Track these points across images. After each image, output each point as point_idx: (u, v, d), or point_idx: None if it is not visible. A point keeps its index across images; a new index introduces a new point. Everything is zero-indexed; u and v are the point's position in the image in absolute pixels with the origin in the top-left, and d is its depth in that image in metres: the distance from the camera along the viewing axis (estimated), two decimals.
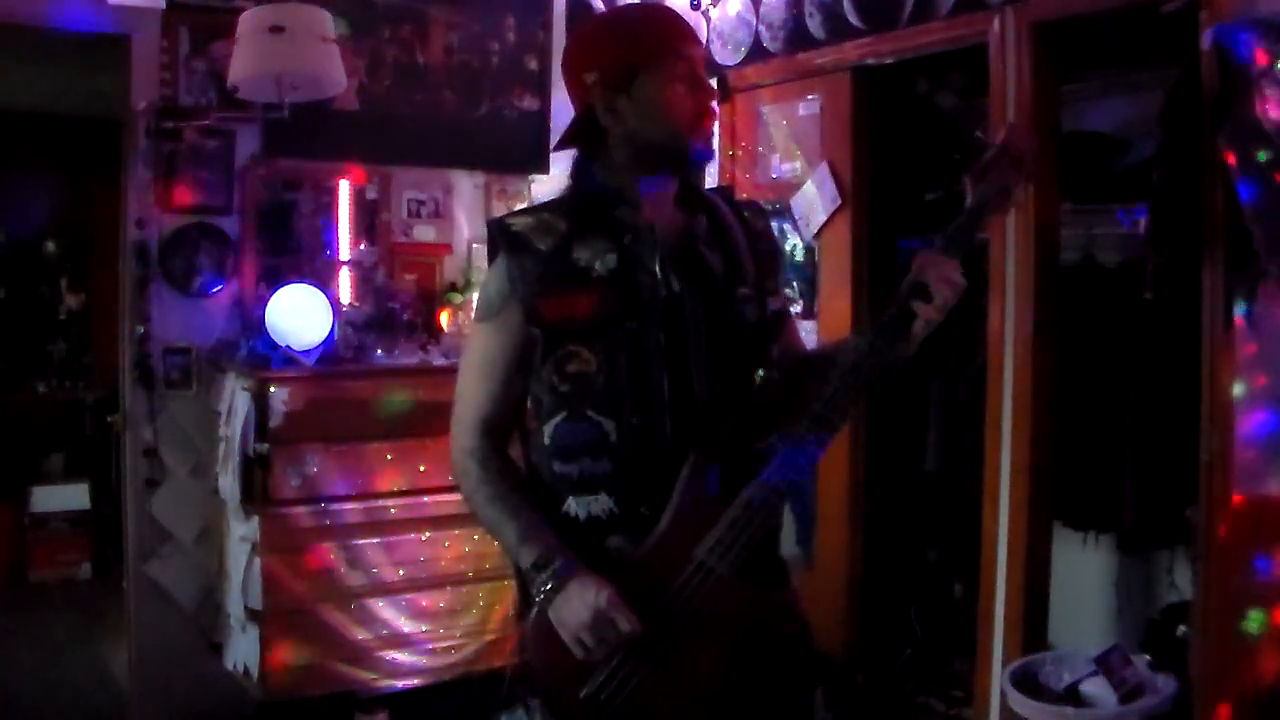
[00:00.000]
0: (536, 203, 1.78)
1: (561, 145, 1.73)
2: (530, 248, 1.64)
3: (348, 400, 3.38)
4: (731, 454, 1.62)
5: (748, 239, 1.75)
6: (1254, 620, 2.32)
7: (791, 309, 2.08)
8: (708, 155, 1.70)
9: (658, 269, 1.64)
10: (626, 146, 1.66)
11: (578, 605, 1.54)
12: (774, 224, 3.54)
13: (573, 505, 1.64)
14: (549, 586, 1.56)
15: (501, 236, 1.67)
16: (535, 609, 1.60)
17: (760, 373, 1.70)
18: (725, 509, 1.56)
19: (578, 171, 1.72)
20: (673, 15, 1.72)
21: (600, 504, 1.62)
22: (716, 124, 1.74)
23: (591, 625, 1.53)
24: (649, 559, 1.59)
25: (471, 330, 1.75)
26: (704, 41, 3.75)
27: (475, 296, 3.78)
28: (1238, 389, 2.38)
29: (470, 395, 1.70)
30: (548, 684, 1.62)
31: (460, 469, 1.70)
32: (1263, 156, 2.23)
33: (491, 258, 1.71)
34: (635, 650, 1.55)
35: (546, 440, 1.65)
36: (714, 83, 3.80)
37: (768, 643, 1.64)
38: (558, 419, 1.64)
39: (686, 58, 1.64)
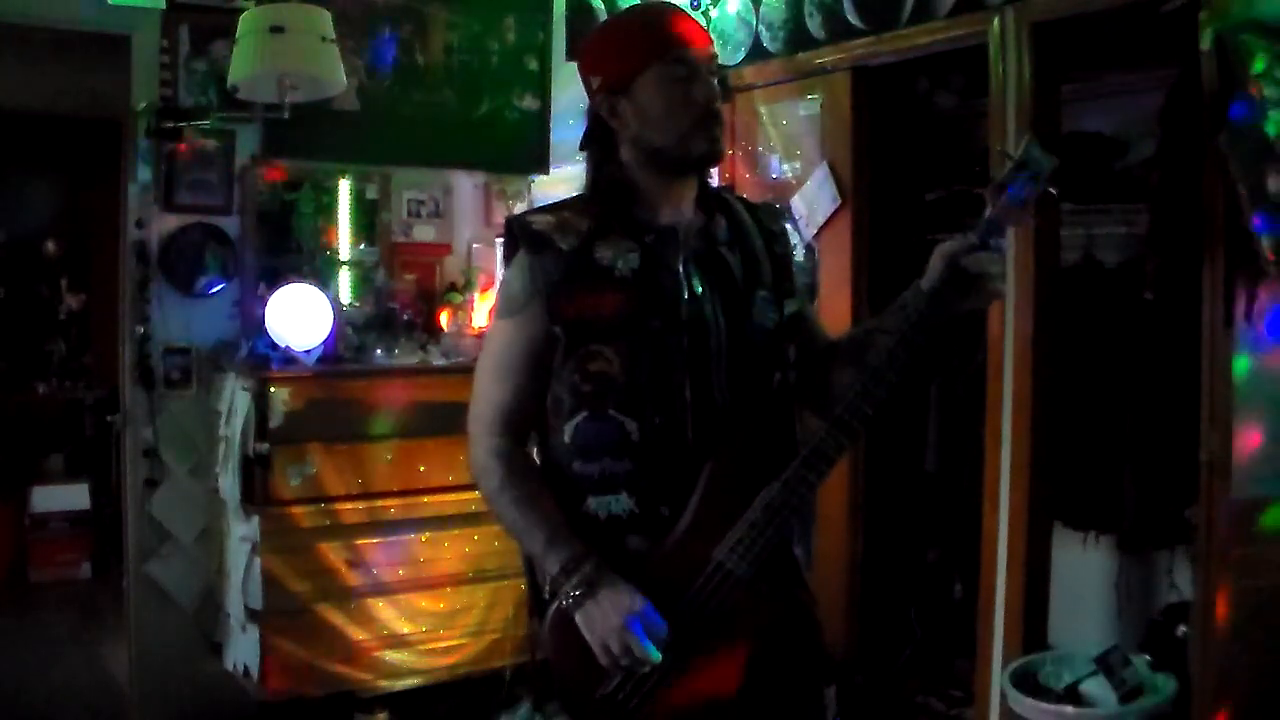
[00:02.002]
0: (552, 201, 1.77)
1: (581, 147, 1.74)
2: (552, 246, 1.63)
3: (348, 400, 3.38)
4: (751, 455, 1.63)
5: (765, 240, 1.74)
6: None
7: (809, 305, 2.07)
8: (714, 156, 1.67)
9: (680, 269, 1.64)
10: (633, 149, 1.66)
11: (609, 611, 1.54)
12: None
13: (592, 504, 1.63)
14: (579, 592, 1.56)
15: (522, 234, 1.66)
16: (554, 608, 1.60)
17: (778, 375, 1.69)
18: (744, 511, 1.57)
19: (594, 172, 1.72)
20: (672, 16, 1.70)
21: (620, 504, 1.62)
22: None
23: (623, 633, 1.53)
24: (668, 559, 1.59)
25: (491, 327, 1.74)
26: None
27: (476, 296, 3.85)
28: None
29: (490, 393, 1.69)
30: (564, 682, 1.63)
31: (482, 468, 1.68)
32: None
33: (510, 255, 1.69)
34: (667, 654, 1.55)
35: (567, 439, 1.64)
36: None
37: (783, 644, 1.64)
38: (579, 418, 1.63)
39: (684, 60, 1.63)
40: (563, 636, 1.59)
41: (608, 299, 1.61)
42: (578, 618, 1.57)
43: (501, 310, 1.69)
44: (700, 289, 1.64)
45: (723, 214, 1.73)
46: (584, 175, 1.74)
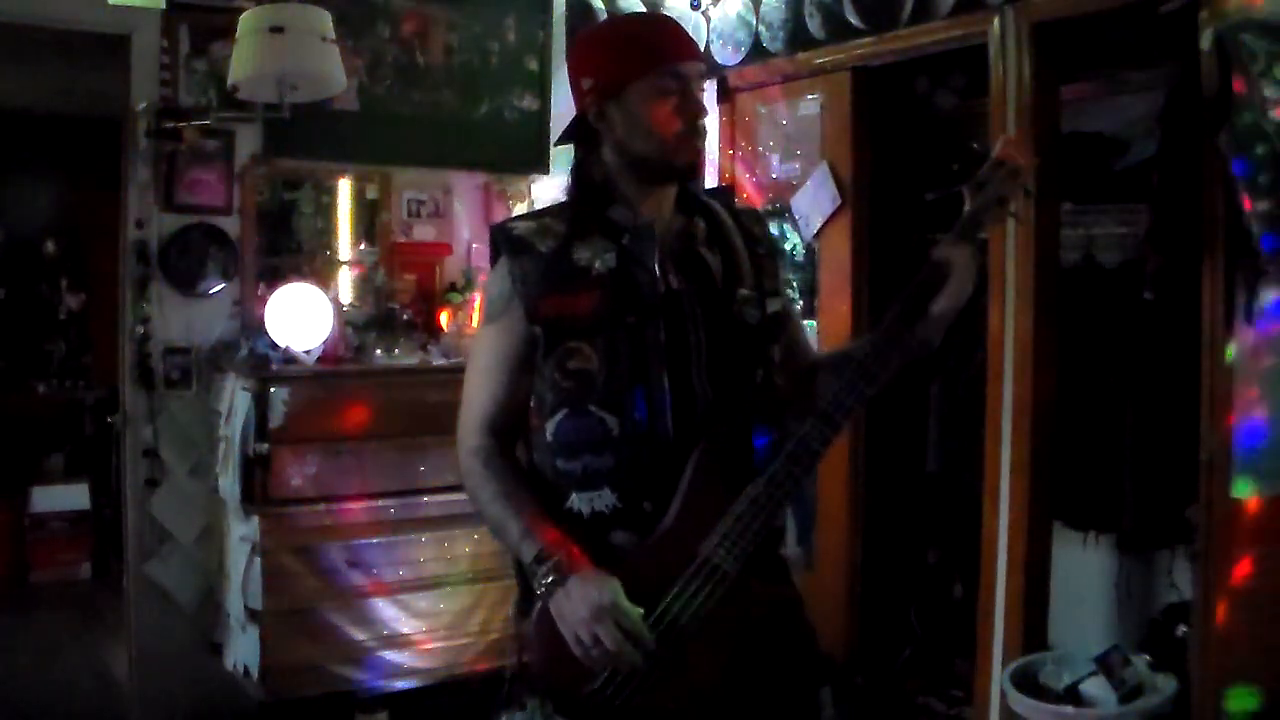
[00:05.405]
0: (538, 207, 1.80)
1: (559, 142, 1.78)
2: (531, 250, 1.67)
3: (348, 400, 3.38)
4: (736, 450, 1.64)
5: (745, 243, 1.77)
6: None
7: (796, 309, 2.10)
8: (694, 170, 1.72)
9: (656, 267, 1.66)
10: (616, 153, 1.69)
11: (579, 601, 1.53)
12: (774, 224, 3.58)
13: (576, 501, 1.64)
14: (550, 580, 1.56)
15: (503, 240, 1.70)
16: (538, 604, 1.60)
17: (761, 372, 1.70)
18: (730, 505, 1.57)
19: (576, 172, 1.75)
20: (672, 29, 1.73)
21: (604, 500, 1.63)
22: (709, 138, 1.76)
23: (591, 622, 1.52)
24: (653, 555, 1.59)
25: (476, 333, 1.78)
26: (704, 51, 3.74)
27: (477, 297, 3.85)
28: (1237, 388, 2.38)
29: (475, 397, 1.71)
30: (550, 681, 1.62)
31: (465, 469, 1.71)
32: (1261, 150, 2.24)
33: (493, 262, 1.74)
34: (640, 646, 1.55)
35: (549, 437, 1.66)
36: (714, 83, 3.82)
37: (773, 640, 1.64)
38: (560, 415, 1.65)
39: (679, 75, 1.66)
40: (547, 633, 1.58)
41: (584, 297, 1.63)
42: (551, 607, 1.57)
43: (484, 316, 1.73)
44: (677, 285, 1.67)
45: (703, 216, 1.76)
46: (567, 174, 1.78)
